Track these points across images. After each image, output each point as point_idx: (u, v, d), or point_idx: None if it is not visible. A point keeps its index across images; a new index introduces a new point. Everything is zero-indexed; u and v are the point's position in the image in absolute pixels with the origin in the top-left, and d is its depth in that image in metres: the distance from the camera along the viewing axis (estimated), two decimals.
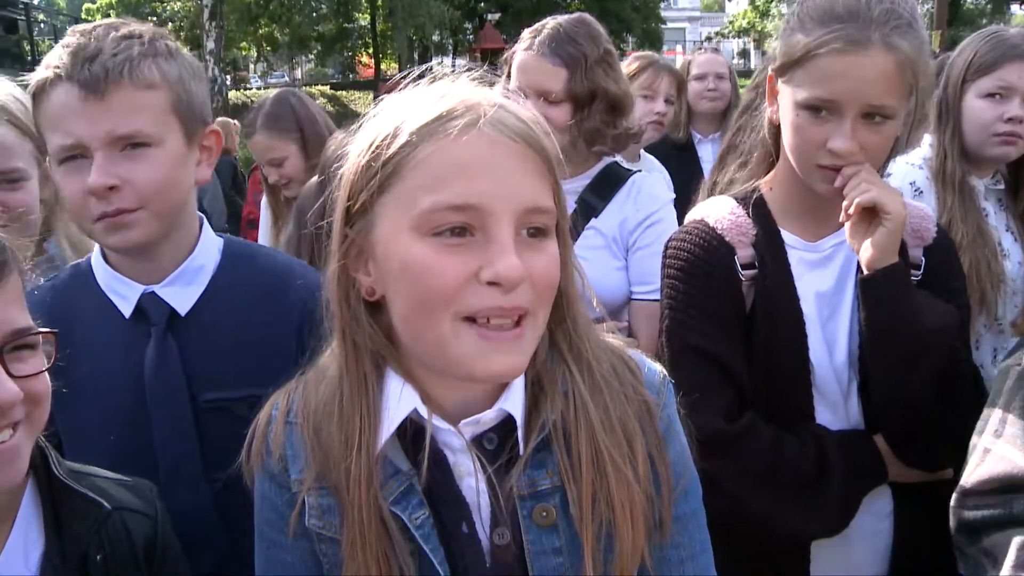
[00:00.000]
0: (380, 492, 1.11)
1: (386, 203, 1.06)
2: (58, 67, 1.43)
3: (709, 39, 37.97)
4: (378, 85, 28.06)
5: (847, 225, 1.64)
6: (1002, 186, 2.60)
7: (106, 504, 1.29)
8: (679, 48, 46.91)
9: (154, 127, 1.46)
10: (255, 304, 1.60)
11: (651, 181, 2.52)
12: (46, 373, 1.22)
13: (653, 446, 1.16)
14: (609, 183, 2.44)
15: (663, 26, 41.63)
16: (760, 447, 1.64)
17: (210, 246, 1.64)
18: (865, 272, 1.62)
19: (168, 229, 1.54)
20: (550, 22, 2.41)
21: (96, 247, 1.63)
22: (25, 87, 1.76)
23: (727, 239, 1.73)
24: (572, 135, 2.34)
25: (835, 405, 1.72)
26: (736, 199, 1.80)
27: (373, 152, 1.07)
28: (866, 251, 1.61)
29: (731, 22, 40.34)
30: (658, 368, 1.25)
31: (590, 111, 2.34)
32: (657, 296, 2.28)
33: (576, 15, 2.46)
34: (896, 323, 1.60)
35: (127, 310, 1.57)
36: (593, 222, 2.39)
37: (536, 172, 1.06)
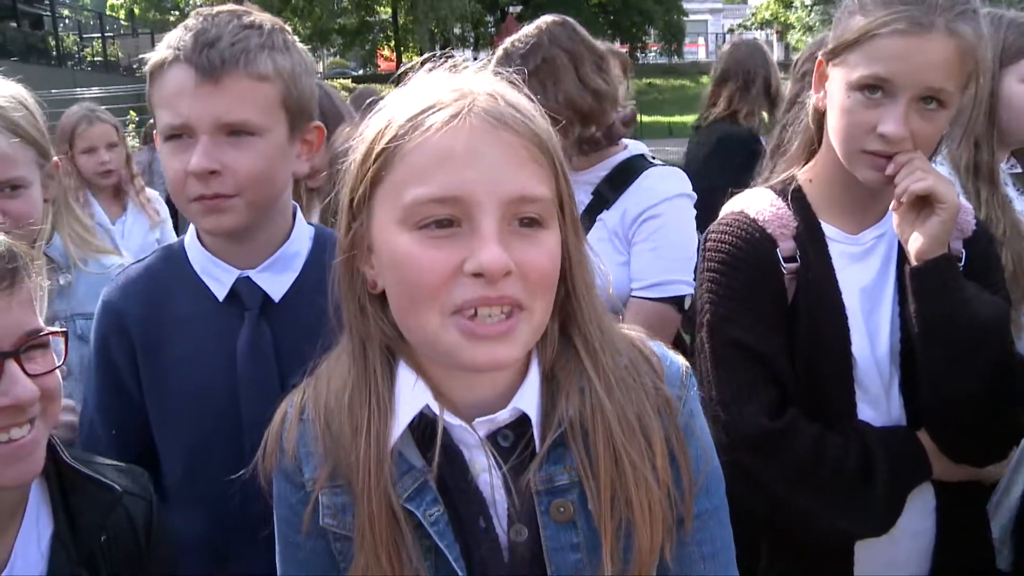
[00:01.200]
0: (393, 489, 1.10)
1: (379, 196, 1.06)
2: (178, 48, 1.47)
3: (731, 31, 37.68)
4: (400, 78, 27.96)
5: (894, 215, 1.61)
6: (1019, 169, 2.55)
7: (117, 487, 1.33)
8: (701, 40, 46.62)
9: (262, 118, 1.49)
10: None
11: (659, 175, 2.42)
12: (58, 370, 1.26)
13: (674, 442, 1.15)
14: (624, 175, 2.41)
15: (685, 18, 41.35)
16: (803, 445, 1.61)
17: (303, 233, 1.66)
18: (914, 263, 1.58)
19: (262, 218, 1.56)
20: (515, 40, 2.38)
21: (191, 229, 1.66)
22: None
23: (769, 231, 1.69)
24: None
25: (877, 400, 1.69)
26: (774, 190, 1.77)
27: (369, 145, 1.08)
28: (916, 241, 1.57)
29: (753, 14, 40.01)
30: (680, 361, 1.22)
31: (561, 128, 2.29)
32: (648, 294, 2.29)
33: (550, 21, 2.41)
34: (951, 315, 1.56)
35: (221, 294, 1.58)
36: (603, 214, 2.36)
37: (527, 160, 1.04)
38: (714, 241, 1.74)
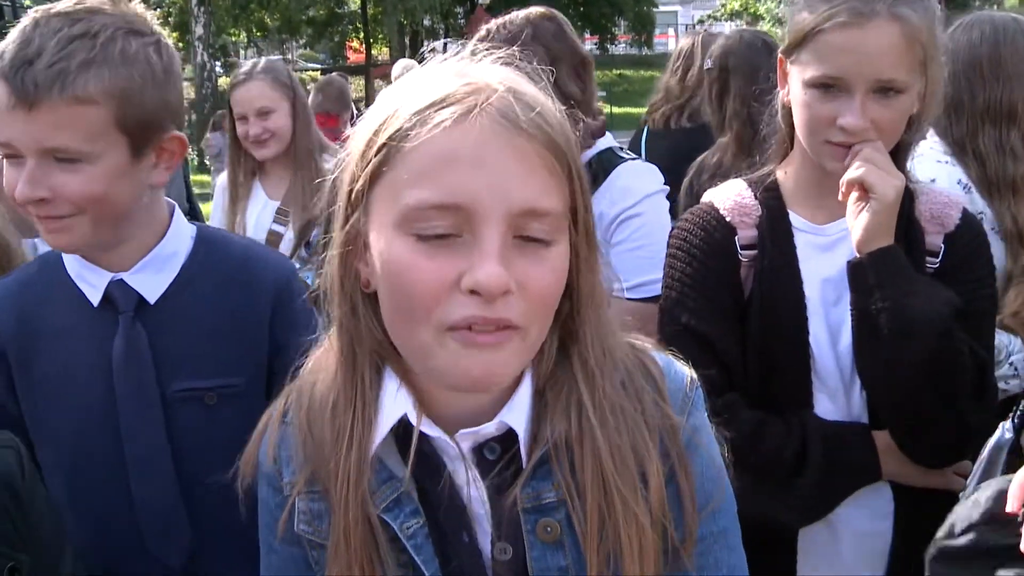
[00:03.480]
0: (371, 498, 1.05)
1: (378, 192, 0.99)
2: (2, 61, 1.36)
3: (701, 22, 37.78)
4: (369, 70, 27.90)
5: (848, 205, 1.61)
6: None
7: None
8: (671, 31, 46.78)
9: (87, 144, 1.37)
10: (226, 292, 1.57)
11: (630, 172, 2.36)
12: None
13: (675, 460, 1.08)
14: (596, 173, 2.33)
15: (655, 9, 41.40)
16: (737, 428, 1.57)
17: (181, 233, 1.60)
18: (855, 255, 1.59)
19: (115, 231, 1.49)
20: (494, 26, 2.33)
21: None
22: None
23: (728, 219, 1.71)
24: None
25: (836, 394, 1.68)
26: (748, 182, 1.78)
27: (372, 135, 0.99)
28: (855, 233, 1.58)
29: (723, 5, 40.22)
30: (686, 372, 1.16)
31: None
32: (633, 295, 2.24)
33: (535, 12, 2.35)
34: (884, 308, 1.55)
35: (95, 298, 1.53)
36: None
37: (540, 168, 0.95)
38: (676, 230, 1.79)
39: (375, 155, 0.98)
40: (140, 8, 1.48)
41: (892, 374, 1.58)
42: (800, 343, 1.65)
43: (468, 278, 0.92)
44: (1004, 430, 1.67)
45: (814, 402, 1.68)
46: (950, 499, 1.70)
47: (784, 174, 1.77)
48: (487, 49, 1.04)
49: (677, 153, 3.41)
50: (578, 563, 1.04)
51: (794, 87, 1.64)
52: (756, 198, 1.74)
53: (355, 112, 5.59)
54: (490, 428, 1.05)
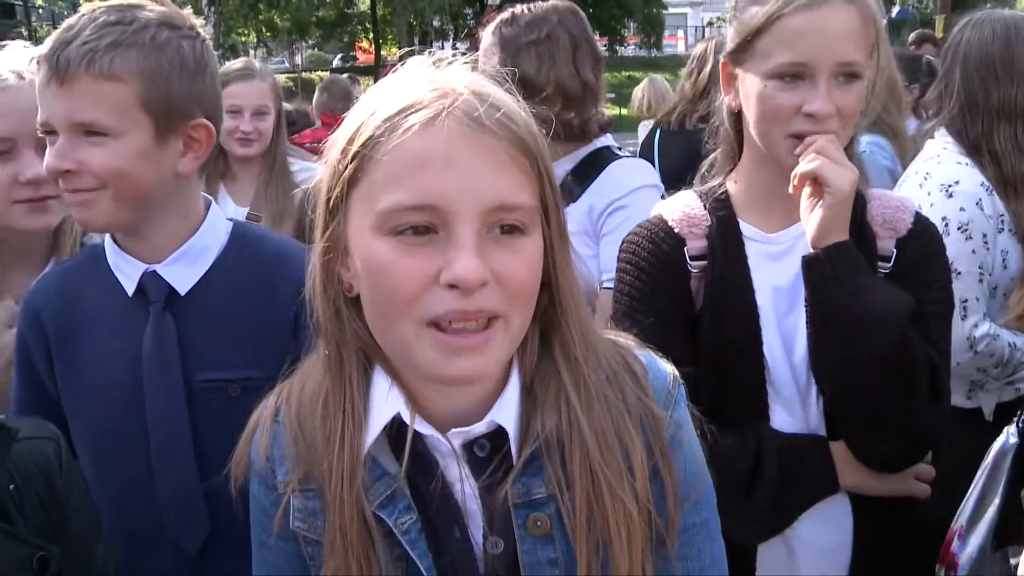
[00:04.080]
0: (365, 495, 1.07)
1: (355, 197, 1.03)
2: (46, 46, 1.48)
3: (711, 24, 37.73)
4: (378, 71, 27.92)
5: (801, 200, 1.58)
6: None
7: (11, 426, 1.30)
8: (680, 33, 46.68)
9: (112, 119, 1.47)
10: (255, 287, 1.61)
11: (623, 167, 2.44)
12: None
13: (657, 456, 1.11)
14: (590, 168, 2.41)
15: (664, 12, 41.35)
16: None
17: (216, 228, 1.65)
18: (809, 250, 1.57)
19: (142, 214, 1.55)
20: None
21: None
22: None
23: (677, 231, 1.69)
24: None
25: (792, 405, 1.65)
26: (699, 194, 1.76)
27: (346, 144, 1.04)
28: (810, 228, 1.56)
29: (733, 7, 40.09)
30: (668, 370, 1.19)
31: (541, 100, 2.28)
32: None
33: (553, 1, 2.41)
34: (839, 305, 1.53)
35: (130, 288, 1.59)
36: (569, 208, 2.34)
37: (509, 165, 1.00)
38: (625, 243, 1.76)
39: (350, 162, 1.02)
40: (186, 11, 1.59)
41: (849, 371, 1.55)
42: (754, 354, 1.62)
43: (446, 272, 0.96)
44: (1009, 435, 1.66)
45: (770, 413, 1.65)
46: (909, 510, 1.67)
47: (734, 184, 1.74)
48: (452, 56, 1.09)
49: (691, 152, 3.44)
50: (568, 555, 1.07)
51: (749, 85, 1.61)
52: (705, 209, 1.71)
53: None
54: (480, 427, 1.08)
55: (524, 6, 2.41)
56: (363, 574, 1.07)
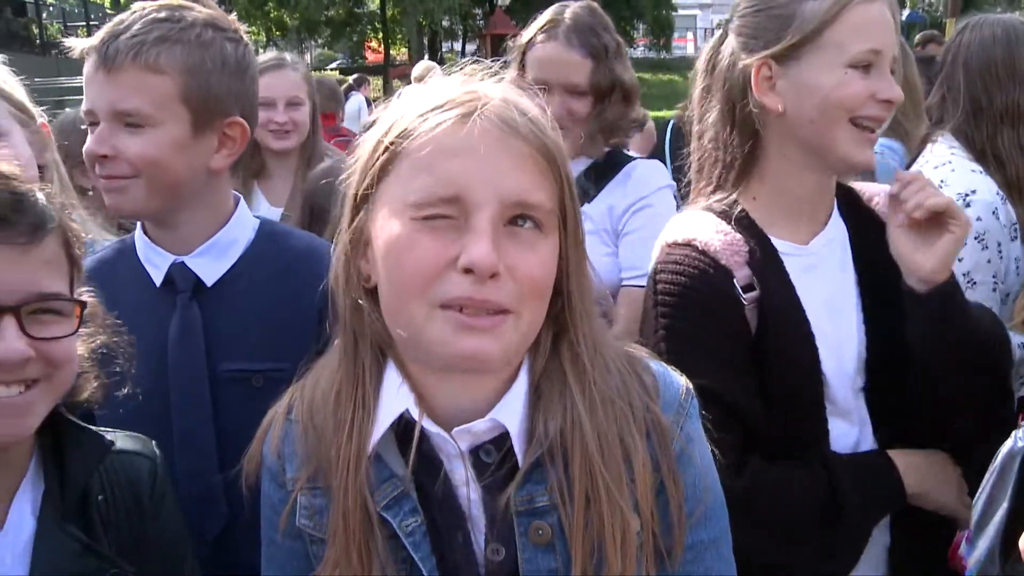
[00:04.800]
0: (371, 495, 1.08)
1: (383, 189, 1.07)
2: (95, 39, 1.56)
3: (719, 26, 37.62)
4: (387, 70, 27.98)
5: (892, 230, 1.57)
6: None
7: (107, 437, 1.32)
8: (690, 35, 46.63)
9: (152, 109, 1.54)
10: (281, 281, 1.66)
11: (646, 168, 2.52)
12: (71, 340, 1.24)
13: (664, 468, 1.11)
14: (605, 169, 2.45)
15: (674, 13, 41.32)
16: (767, 499, 1.55)
17: (244, 223, 1.72)
18: (920, 285, 1.54)
19: (172, 205, 1.61)
20: (566, 12, 2.40)
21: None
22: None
23: (723, 262, 1.58)
24: (592, 128, 2.35)
25: (848, 415, 1.65)
26: (716, 213, 1.67)
27: (378, 139, 1.08)
28: (927, 262, 1.53)
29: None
30: (681, 382, 1.19)
31: (609, 102, 2.36)
32: (642, 282, 2.16)
33: (584, 4, 2.45)
34: (962, 339, 1.54)
35: (158, 279, 1.65)
36: (585, 208, 2.35)
37: (532, 168, 1.04)
38: (665, 282, 1.61)
39: (381, 155, 1.07)
40: (231, 16, 1.66)
41: (967, 399, 1.57)
42: (815, 373, 1.59)
43: (463, 257, 1.00)
44: (1016, 439, 1.65)
45: (829, 428, 1.63)
46: (944, 533, 1.67)
47: (753, 199, 1.67)
48: (490, 66, 1.14)
49: None
50: (568, 565, 1.07)
51: (813, 78, 1.56)
52: (735, 231, 1.63)
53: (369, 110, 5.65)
54: (482, 425, 1.08)
55: (570, 9, 2.42)
56: (363, 564, 1.08)
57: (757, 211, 1.66)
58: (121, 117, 1.54)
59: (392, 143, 1.06)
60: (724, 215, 1.66)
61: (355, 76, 13.77)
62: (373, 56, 38.65)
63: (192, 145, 1.59)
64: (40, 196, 1.22)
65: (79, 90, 1.65)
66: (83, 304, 1.27)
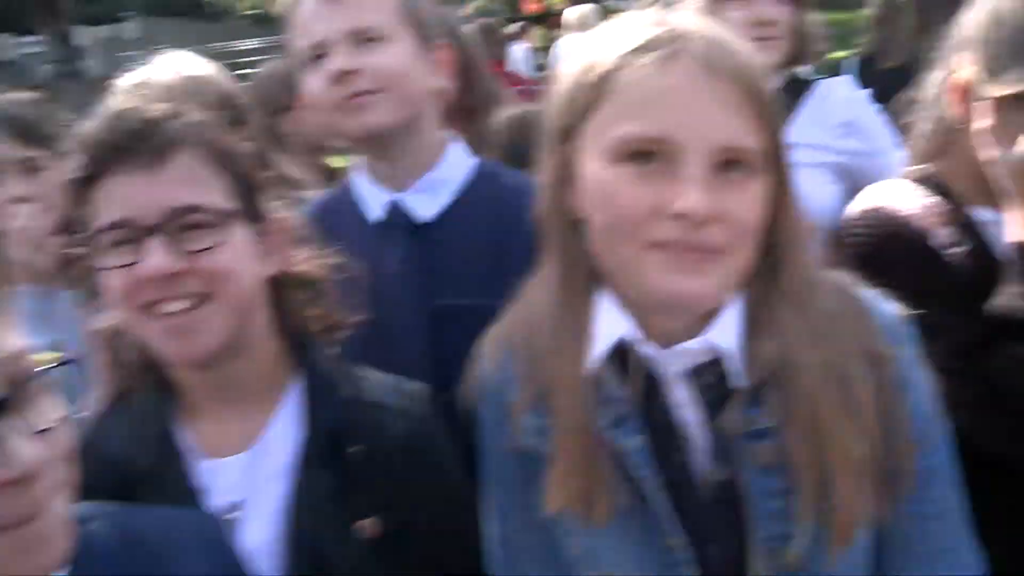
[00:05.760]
0: (593, 416, 1.11)
1: (586, 128, 1.07)
2: None
3: None
4: (548, 19, 27.62)
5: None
6: None
7: (367, 396, 1.36)
8: None
9: (386, 23, 1.62)
10: (497, 219, 1.67)
11: (838, 83, 2.46)
12: (230, 251, 1.23)
13: (886, 395, 1.09)
14: (793, 92, 2.30)
15: None
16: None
17: (459, 161, 1.76)
18: None
19: (407, 122, 1.65)
20: None
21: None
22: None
23: (923, 225, 1.52)
24: (795, 40, 2.26)
25: None
26: (914, 181, 1.60)
27: (579, 76, 1.08)
28: None
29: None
30: (895, 309, 1.16)
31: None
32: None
33: None
34: None
35: (376, 216, 1.70)
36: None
37: (741, 110, 1.02)
38: (858, 238, 1.59)
39: (583, 94, 1.07)
40: None
41: None
42: None
43: (677, 203, 0.99)
44: None
45: None
46: None
47: (950, 171, 1.58)
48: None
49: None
50: (790, 486, 1.07)
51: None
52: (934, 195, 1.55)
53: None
54: (695, 344, 1.09)
55: None
56: (587, 482, 1.11)
57: (955, 183, 1.58)
58: (361, 35, 1.60)
59: (595, 83, 1.06)
60: (921, 182, 1.61)
61: (519, 24, 13.71)
62: (532, 6, 38.40)
63: (421, 59, 1.66)
64: (170, 118, 1.23)
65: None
66: (236, 214, 1.25)
